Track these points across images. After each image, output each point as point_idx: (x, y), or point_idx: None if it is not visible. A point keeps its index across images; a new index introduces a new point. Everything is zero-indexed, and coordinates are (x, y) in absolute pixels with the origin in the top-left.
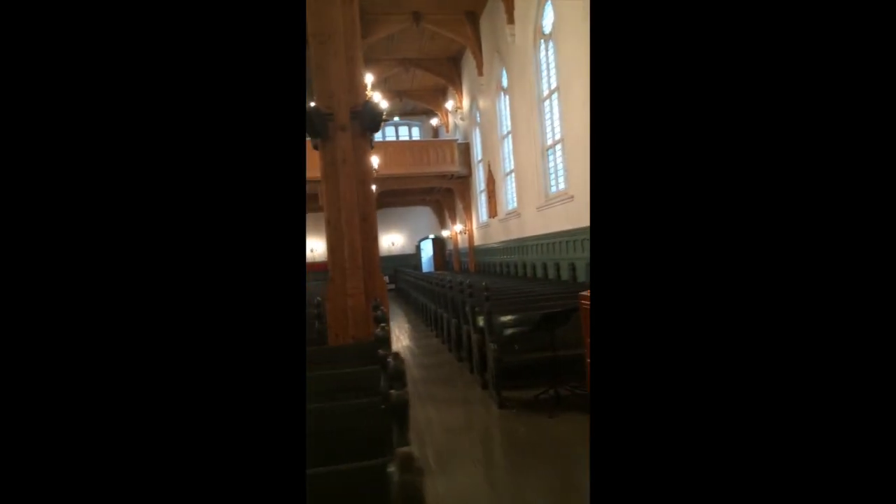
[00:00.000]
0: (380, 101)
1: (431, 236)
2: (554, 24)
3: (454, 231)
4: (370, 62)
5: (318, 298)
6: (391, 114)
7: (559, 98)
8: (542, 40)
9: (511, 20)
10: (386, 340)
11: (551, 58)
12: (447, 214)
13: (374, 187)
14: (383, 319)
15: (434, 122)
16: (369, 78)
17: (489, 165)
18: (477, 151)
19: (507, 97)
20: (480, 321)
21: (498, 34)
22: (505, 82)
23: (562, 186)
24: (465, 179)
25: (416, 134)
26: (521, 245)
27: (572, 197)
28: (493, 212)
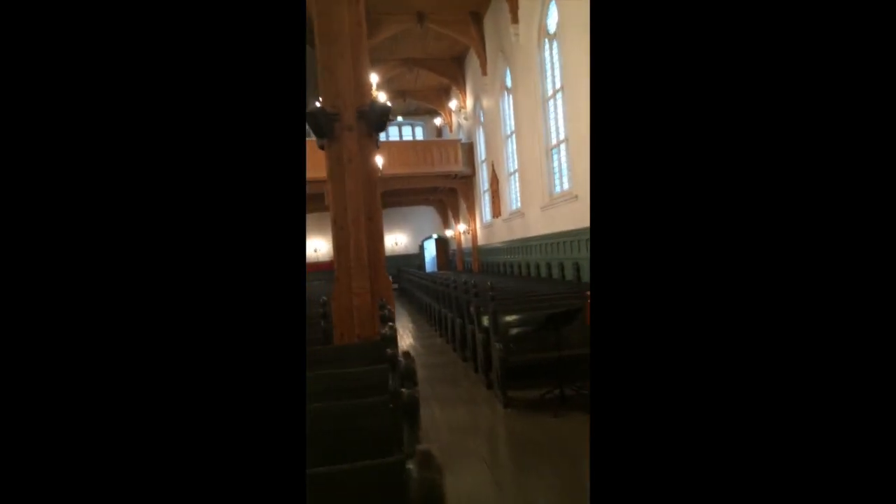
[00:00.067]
0: (385, 101)
1: (435, 236)
2: (558, 24)
3: (458, 231)
4: (374, 62)
5: (324, 298)
6: (395, 114)
7: (563, 97)
8: (547, 39)
9: (515, 20)
10: (393, 340)
11: (556, 57)
12: (451, 214)
13: None
14: (390, 319)
15: (437, 121)
16: (374, 78)
17: (493, 165)
18: (480, 151)
19: (511, 97)
20: (485, 321)
21: (502, 34)
22: (509, 82)
23: (566, 186)
24: (468, 179)
25: (419, 134)
26: (525, 245)
27: (576, 197)
28: (496, 212)
